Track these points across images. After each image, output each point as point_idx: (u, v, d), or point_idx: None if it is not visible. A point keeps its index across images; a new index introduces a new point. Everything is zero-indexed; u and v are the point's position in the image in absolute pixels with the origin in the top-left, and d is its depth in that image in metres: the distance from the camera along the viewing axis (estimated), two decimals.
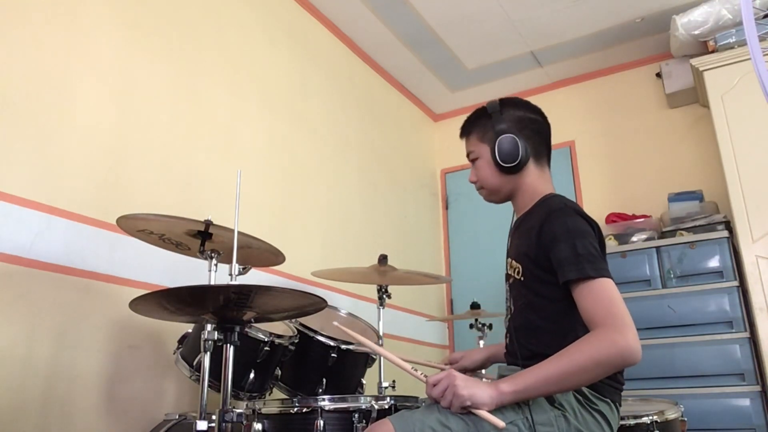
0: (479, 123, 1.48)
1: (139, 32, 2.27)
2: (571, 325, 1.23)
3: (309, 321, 1.97)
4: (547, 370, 1.13)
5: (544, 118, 1.50)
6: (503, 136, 1.40)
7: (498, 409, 1.14)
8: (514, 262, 1.39)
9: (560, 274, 1.22)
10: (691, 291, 3.01)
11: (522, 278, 1.35)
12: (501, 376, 1.37)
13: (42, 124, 1.87)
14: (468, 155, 1.51)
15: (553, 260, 1.24)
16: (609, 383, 1.25)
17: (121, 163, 2.11)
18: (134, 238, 1.71)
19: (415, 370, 1.25)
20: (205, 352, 1.42)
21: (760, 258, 2.80)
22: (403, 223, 3.87)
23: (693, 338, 2.95)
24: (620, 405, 1.29)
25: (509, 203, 1.51)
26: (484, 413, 1.12)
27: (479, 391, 1.13)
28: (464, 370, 1.69)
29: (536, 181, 1.44)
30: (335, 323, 1.48)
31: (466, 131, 1.52)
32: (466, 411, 1.14)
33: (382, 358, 2.20)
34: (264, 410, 1.53)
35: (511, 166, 1.40)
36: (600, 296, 1.16)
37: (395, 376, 2.21)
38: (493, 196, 1.49)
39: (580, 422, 1.20)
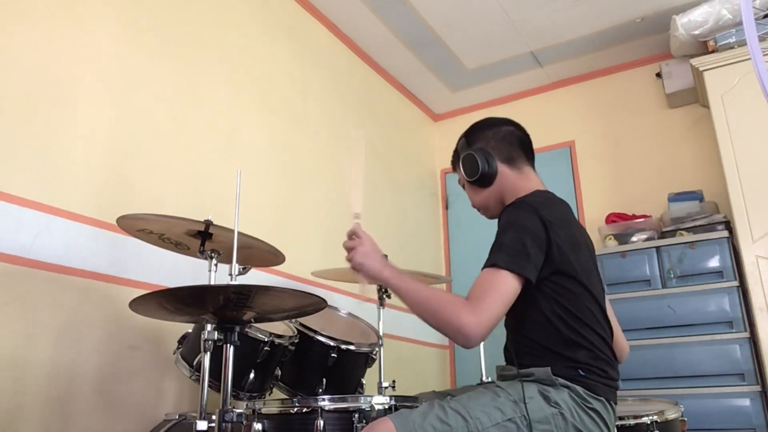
0: (455, 153, 1.60)
1: (140, 32, 2.27)
2: (535, 318, 1.28)
3: (309, 321, 1.97)
4: (416, 290, 1.28)
5: (515, 125, 1.56)
6: (462, 156, 1.51)
7: (497, 406, 1.16)
8: None
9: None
10: (691, 291, 3.01)
11: None
12: (500, 376, 1.39)
13: (42, 124, 1.87)
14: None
15: None
16: (603, 381, 1.26)
17: (121, 163, 2.11)
18: (134, 238, 1.71)
19: (356, 216, 1.45)
20: (205, 352, 1.42)
21: (760, 258, 2.80)
22: (403, 223, 3.87)
23: (693, 338, 2.95)
24: (615, 403, 1.29)
25: None
26: (359, 285, 1.37)
27: (370, 262, 1.35)
28: None
29: (516, 183, 1.49)
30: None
31: (452, 166, 1.63)
32: (356, 270, 1.36)
33: (383, 357, 2.20)
34: (264, 410, 1.53)
35: (477, 179, 1.49)
36: (487, 281, 1.22)
37: (395, 376, 2.21)
38: (487, 211, 1.57)
39: (577, 421, 1.20)
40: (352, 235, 1.39)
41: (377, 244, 1.40)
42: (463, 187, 1.60)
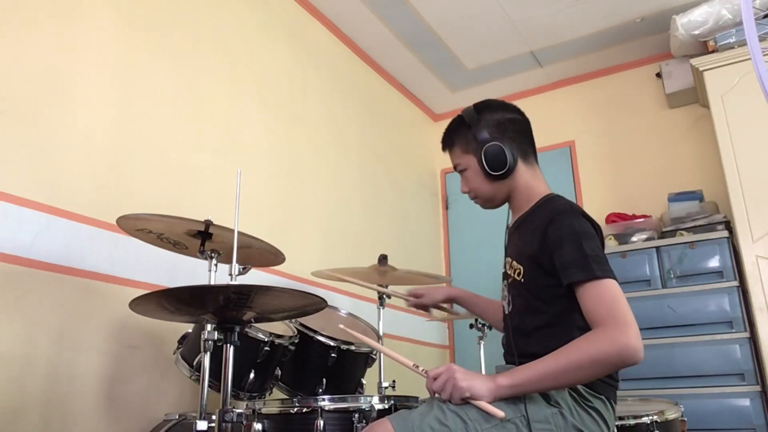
0: (459, 134, 1.49)
1: (140, 32, 2.27)
2: (567, 329, 1.24)
3: (309, 321, 1.97)
4: (545, 366, 1.15)
5: (523, 115, 1.49)
6: (488, 144, 1.39)
7: (496, 406, 1.15)
8: (514, 262, 1.38)
9: (565, 275, 1.22)
10: (691, 291, 3.01)
11: (522, 280, 1.34)
12: None
13: (42, 124, 1.87)
14: (455, 167, 1.51)
15: (557, 262, 1.24)
16: (604, 380, 1.25)
17: (121, 163, 2.11)
18: (134, 237, 1.71)
19: (417, 366, 1.27)
20: (205, 352, 1.42)
21: (760, 258, 2.80)
22: (403, 223, 3.87)
23: (693, 338, 2.95)
24: (615, 402, 1.29)
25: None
26: (483, 404, 1.14)
27: (478, 383, 1.16)
28: (424, 307, 1.87)
29: (531, 181, 1.43)
30: (341, 326, 1.48)
31: (447, 144, 1.53)
32: (465, 402, 1.16)
33: (382, 357, 2.20)
34: (264, 410, 1.53)
35: (501, 174, 1.39)
36: (603, 296, 1.17)
37: (395, 376, 2.21)
38: (489, 203, 1.49)
39: (577, 420, 1.20)
40: (435, 376, 1.21)
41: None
42: (456, 168, 1.49)
